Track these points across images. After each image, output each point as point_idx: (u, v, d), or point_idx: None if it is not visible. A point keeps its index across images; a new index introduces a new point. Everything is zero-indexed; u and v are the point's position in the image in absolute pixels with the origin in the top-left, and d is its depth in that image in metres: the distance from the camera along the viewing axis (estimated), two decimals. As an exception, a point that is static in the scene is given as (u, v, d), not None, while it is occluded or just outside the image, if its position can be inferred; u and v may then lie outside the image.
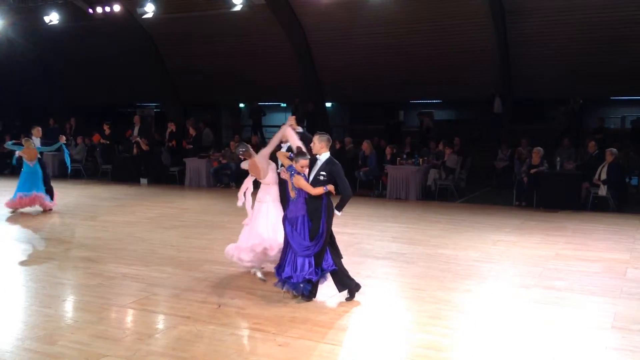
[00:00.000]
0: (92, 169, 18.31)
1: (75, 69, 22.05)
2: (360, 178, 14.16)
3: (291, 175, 5.84)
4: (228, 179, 15.43)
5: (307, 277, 5.71)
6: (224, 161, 15.54)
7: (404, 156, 14.20)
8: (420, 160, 13.65)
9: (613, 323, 5.28)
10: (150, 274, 6.89)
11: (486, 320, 5.41)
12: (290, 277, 5.78)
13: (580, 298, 6.04)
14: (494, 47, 16.21)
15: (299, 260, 5.76)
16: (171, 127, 17.47)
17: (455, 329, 5.16)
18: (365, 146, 14.30)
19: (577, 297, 6.05)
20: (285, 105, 22.53)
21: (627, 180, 13.08)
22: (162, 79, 21.49)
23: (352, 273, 6.92)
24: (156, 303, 5.93)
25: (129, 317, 5.55)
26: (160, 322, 5.43)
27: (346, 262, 7.45)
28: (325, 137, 6.05)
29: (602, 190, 11.39)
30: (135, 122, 18.04)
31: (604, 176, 11.41)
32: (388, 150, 14.24)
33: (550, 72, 16.12)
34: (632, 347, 4.73)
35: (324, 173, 5.87)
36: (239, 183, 15.06)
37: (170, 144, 17.23)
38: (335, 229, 9.57)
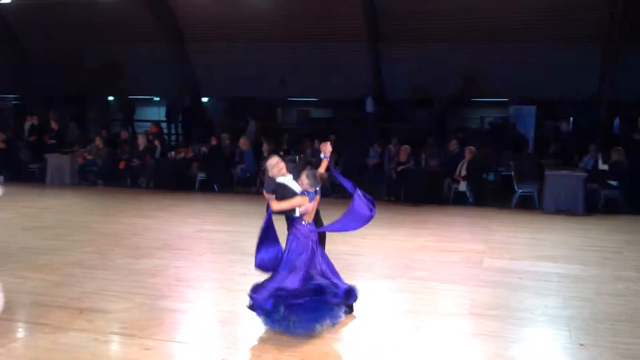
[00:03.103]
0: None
1: None
2: (237, 175, 14.04)
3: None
4: (94, 176, 14.60)
5: None
6: (89, 157, 14.68)
7: (281, 153, 14.27)
8: (297, 157, 13.82)
9: (470, 310, 5.64)
10: (6, 279, 6.30)
11: (355, 311, 5.56)
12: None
13: (442, 287, 6.42)
14: (366, 48, 16.78)
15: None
16: (32, 120, 16.21)
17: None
18: (242, 142, 14.21)
19: (438, 286, 6.43)
20: (158, 99, 21.76)
21: (484, 176, 14.10)
22: (21, 70, 19.86)
23: (227, 272, 6.89)
24: (12, 310, 5.43)
25: (-21, 327, 5.06)
26: (17, 330, 5.03)
27: (222, 260, 7.41)
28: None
29: (462, 186, 12.21)
30: (-10, 115, 16.52)
31: (463, 172, 12.23)
32: (265, 147, 14.24)
33: (417, 75, 16.95)
34: (488, 332, 5.07)
35: None
36: (106, 180, 14.53)
37: (30, 139, 15.97)
38: (209, 227, 9.50)
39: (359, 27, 16.28)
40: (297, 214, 5.08)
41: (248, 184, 14.17)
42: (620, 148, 11.60)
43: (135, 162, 14.34)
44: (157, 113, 20.34)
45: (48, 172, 14.78)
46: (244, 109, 21.03)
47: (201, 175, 14.02)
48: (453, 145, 13.29)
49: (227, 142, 15.09)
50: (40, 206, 11.40)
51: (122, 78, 18.92)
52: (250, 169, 14.04)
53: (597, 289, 6.33)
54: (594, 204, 11.43)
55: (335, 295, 4.97)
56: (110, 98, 21.55)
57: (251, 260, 7.43)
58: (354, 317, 5.39)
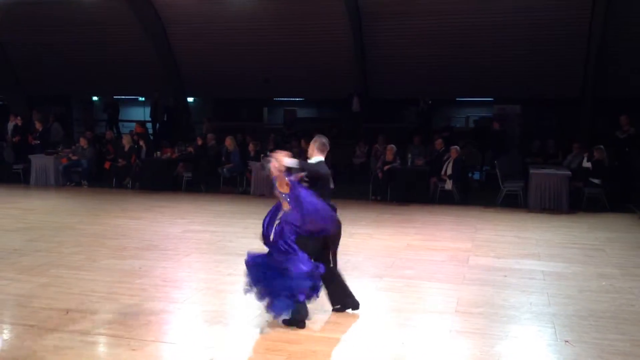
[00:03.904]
0: None
1: None
2: (224, 175, 14.00)
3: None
4: (79, 177, 14.49)
5: None
6: (74, 158, 14.57)
7: (268, 153, 14.24)
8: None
9: (456, 307, 5.68)
10: (-11, 281, 6.29)
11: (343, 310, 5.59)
12: None
13: (428, 285, 6.46)
14: (351, 48, 16.82)
15: None
16: (16, 121, 16.06)
17: (311, 320, 5.27)
18: (228, 142, 14.18)
19: (424, 285, 6.48)
20: (143, 99, 21.66)
21: (469, 174, 14.22)
22: (4, 70, 19.64)
23: (214, 272, 6.88)
24: (-5, 313, 5.43)
25: (-38, 330, 5.02)
26: (3, 331, 4.99)
27: (209, 260, 7.41)
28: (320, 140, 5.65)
29: (448, 185, 12.29)
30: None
31: (449, 171, 12.32)
32: (251, 146, 14.24)
33: (402, 74, 17.05)
34: (473, 329, 5.13)
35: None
36: (91, 181, 14.42)
37: (14, 140, 15.81)
38: (196, 227, 9.48)
39: (344, 26, 16.31)
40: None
41: (235, 184, 14.15)
42: (602, 147, 11.75)
43: (121, 162, 14.26)
44: (142, 113, 20.22)
45: (32, 173, 14.65)
46: (230, 108, 21.05)
47: (187, 176, 13.97)
48: (439, 144, 13.38)
49: (213, 142, 15.05)
50: (25, 207, 11.30)
51: (105, 78, 18.78)
52: (237, 169, 14.02)
53: (581, 286, 6.42)
54: (578, 201, 11.58)
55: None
56: (95, 98, 21.39)
57: (237, 260, 7.44)
58: (344, 315, 5.41)
